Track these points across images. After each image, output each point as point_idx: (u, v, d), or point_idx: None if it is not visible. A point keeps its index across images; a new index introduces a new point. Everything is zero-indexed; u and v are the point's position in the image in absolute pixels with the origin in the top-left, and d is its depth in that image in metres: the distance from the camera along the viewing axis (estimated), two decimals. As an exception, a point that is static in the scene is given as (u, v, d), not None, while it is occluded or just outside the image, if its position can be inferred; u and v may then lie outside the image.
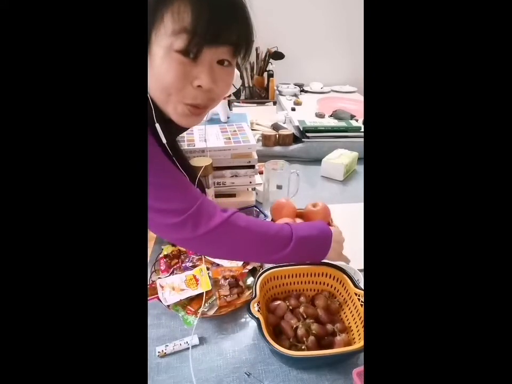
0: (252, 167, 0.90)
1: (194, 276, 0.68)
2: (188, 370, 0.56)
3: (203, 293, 0.65)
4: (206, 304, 0.64)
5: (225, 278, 0.68)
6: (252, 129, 1.31)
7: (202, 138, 0.90)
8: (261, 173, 1.01)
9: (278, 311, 0.61)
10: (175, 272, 0.71)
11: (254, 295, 0.58)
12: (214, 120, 1.18)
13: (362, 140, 1.27)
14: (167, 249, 0.76)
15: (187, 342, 0.59)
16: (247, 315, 0.56)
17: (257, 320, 0.54)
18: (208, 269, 0.70)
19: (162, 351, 0.58)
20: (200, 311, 0.63)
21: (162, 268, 0.73)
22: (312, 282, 0.67)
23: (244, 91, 1.85)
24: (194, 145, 0.86)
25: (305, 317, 0.60)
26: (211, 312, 0.64)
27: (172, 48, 0.47)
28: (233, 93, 1.53)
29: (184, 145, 0.86)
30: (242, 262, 0.72)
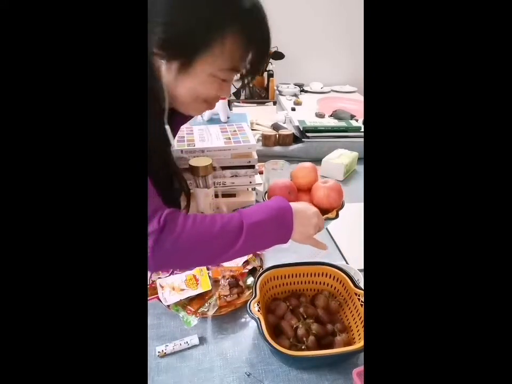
0: (252, 167, 0.90)
1: (194, 276, 0.68)
2: (188, 370, 0.56)
3: (203, 292, 0.65)
4: (206, 304, 0.64)
5: (225, 278, 0.68)
6: (252, 129, 1.31)
7: (203, 138, 0.90)
8: (261, 173, 1.01)
9: (278, 311, 0.61)
10: (175, 272, 0.71)
11: (254, 295, 0.58)
12: (214, 120, 1.17)
13: (362, 139, 1.27)
14: None
15: (187, 342, 0.59)
16: (247, 315, 0.56)
17: (257, 320, 0.54)
18: (208, 269, 0.70)
19: (162, 351, 0.58)
20: (200, 311, 0.63)
21: (162, 267, 0.73)
22: (312, 282, 0.67)
23: (243, 91, 1.84)
24: (194, 145, 0.86)
25: (305, 317, 0.60)
26: (211, 312, 0.64)
27: (217, 75, 0.54)
28: (233, 93, 1.53)
29: (184, 145, 0.86)
30: (242, 262, 0.72)
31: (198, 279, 0.68)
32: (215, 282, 0.68)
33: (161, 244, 0.48)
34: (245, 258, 0.73)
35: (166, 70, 0.51)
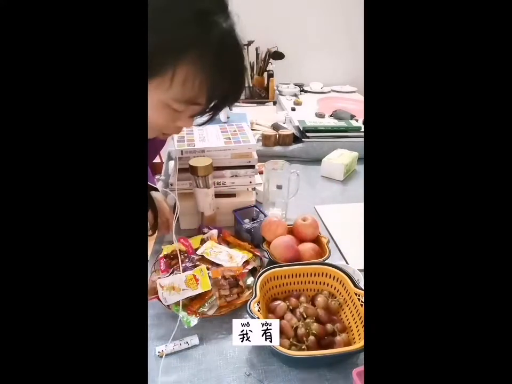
0: (252, 167, 0.90)
1: (194, 276, 0.68)
2: (188, 370, 0.56)
3: (203, 293, 0.65)
4: (206, 304, 0.64)
5: (225, 278, 0.68)
6: (252, 129, 1.31)
7: (203, 138, 0.90)
8: (261, 173, 1.01)
9: (278, 311, 0.61)
10: (175, 272, 0.71)
11: (254, 295, 0.58)
12: (214, 120, 1.17)
13: (362, 139, 1.27)
14: (167, 249, 0.76)
15: (187, 342, 0.59)
16: (247, 315, 0.56)
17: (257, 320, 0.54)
18: (208, 269, 0.70)
19: (162, 351, 0.58)
20: (200, 311, 0.63)
21: (162, 268, 0.73)
22: (312, 282, 0.67)
23: (244, 91, 1.84)
24: (194, 145, 0.86)
25: (305, 317, 0.60)
26: (211, 312, 0.64)
27: (169, 105, 0.49)
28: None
29: (184, 145, 0.86)
30: (242, 262, 0.72)
31: (198, 279, 0.68)
32: (215, 282, 0.68)
33: None
34: (245, 258, 0.73)
35: None
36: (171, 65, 0.44)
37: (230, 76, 0.49)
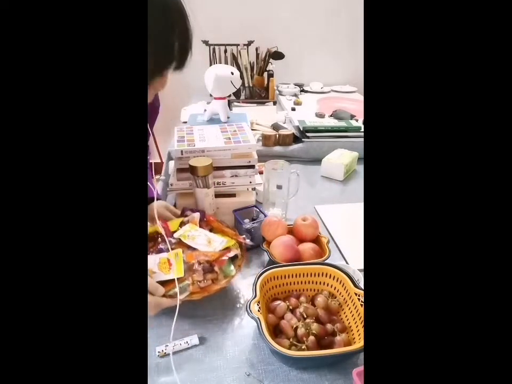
0: (252, 167, 0.90)
1: (168, 260, 0.65)
2: (188, 370, 0.56)
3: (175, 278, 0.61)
4: (177, 288, 0.61)
5: (199, 263, 0.65)
6: (252, 129, 1.31)
7: (203, 138, 0.90)
8: (261, 173, 1.01)
9: (278, 311, 0.61)
10: (150, 253, 0.67)
11: (254, 295, 0.58)
12: (214, 120, 1.17)
13: (362, 139, 1.27)
14: None
15: (187, 342, 0.59)
16: (247, 315, 0.56)
17: (257, 320, 0.54)
18: (183, 252, 0.67)
19: (162, 351, 0.58)
20: (171, 293, 0.61)
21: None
22: (312, 282, 0.67)
23: (243, 91, 1.84)
24: (194, 145, 0.86)
25: (305, 317, 0.60)
26: (182, 297, 0.61)
27: None
28: (233, 93, 1.53)
29: (185, 145, 0.86)
30: (220, 247, 0.69)
31: (172, 263, 0.64)
32: (189, 266, 0.64)
33: None
34: (224, 243, 0.70)
35: None
36: None
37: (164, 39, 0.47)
